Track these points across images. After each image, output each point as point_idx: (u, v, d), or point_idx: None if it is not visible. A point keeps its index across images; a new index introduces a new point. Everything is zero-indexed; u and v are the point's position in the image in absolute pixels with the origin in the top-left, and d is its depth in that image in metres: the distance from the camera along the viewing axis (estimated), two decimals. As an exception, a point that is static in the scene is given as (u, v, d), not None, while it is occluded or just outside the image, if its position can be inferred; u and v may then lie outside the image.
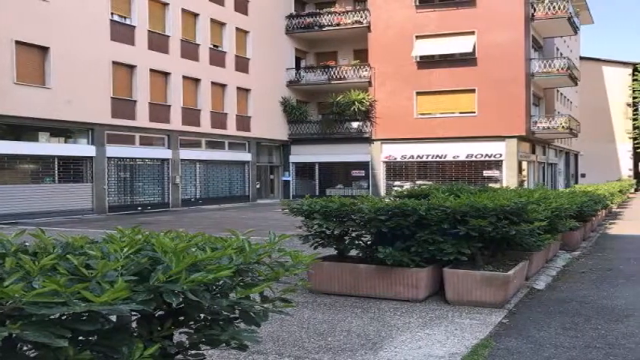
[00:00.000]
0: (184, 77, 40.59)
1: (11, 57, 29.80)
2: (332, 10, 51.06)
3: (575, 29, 52.80)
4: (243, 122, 46.20)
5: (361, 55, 50.52)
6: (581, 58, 74.22)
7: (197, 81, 41.83)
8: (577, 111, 70.44)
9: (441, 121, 46.75)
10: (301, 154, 52.16)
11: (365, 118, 49.01)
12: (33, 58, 31.39)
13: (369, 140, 49.31)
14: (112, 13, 35.45)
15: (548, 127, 48.63)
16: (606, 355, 7.37)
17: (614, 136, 79.93)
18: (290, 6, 51.13)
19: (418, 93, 47.61)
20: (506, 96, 44.62)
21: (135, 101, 36.90)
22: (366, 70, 49.04)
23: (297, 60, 52.75)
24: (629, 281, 12.64)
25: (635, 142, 75.82)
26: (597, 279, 12.96)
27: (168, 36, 39.17)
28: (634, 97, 75.24)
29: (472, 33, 45.81)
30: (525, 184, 47.25)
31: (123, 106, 36.12)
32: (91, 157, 34.46)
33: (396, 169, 49.36)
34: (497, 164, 46.38)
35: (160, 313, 3.96)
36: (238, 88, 45.48)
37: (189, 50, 40.94)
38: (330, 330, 8.52)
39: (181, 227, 5.52)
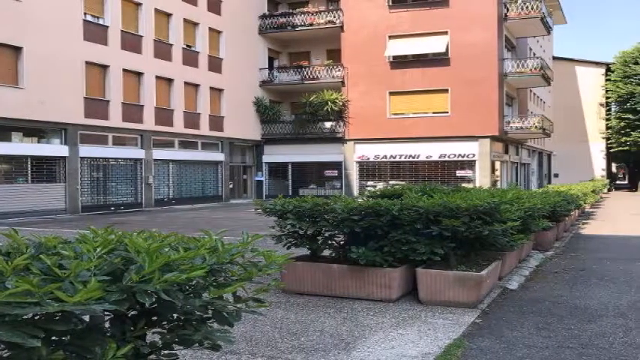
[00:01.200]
0: (157, 77, 41.27)
1: (-16, 58, 30.20)
2: (305, 10, 51.74)
3: (548, 29, 53.57)
4: (216, 122, 46.90)
5: (334, 55, 51.19)
6: (554, 58, 75.15)
7: (170, 81, 42.52)
8: (550, 111, 71.49)
9: (414, 121, 47.39)
10: (274, 154, 52.77)
11: (338, 118, 49.69)
12: (6, 58, 32.02)
13: (342, 140, 49.97)
14: (85, 13, 36.10)
15: (521, 127, 49.18)
16: (579, 355, 7.53)
17: (587, 136, 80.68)
18: (263, 6, 51.88)
19: (391, 93, 48.24)
20: (479, 96, 45.27)
21: (108, 101, 37.58)
22: (339, 70, 49.77)
23: (270, 60, 53.54)
24: (602, 281, 12.86)
25: (608, 142, 76.33)
26: (570, 279, 13.20)
27: (141, 36, 39.87)
28: (607, 97, 75.94)
29: (445, 33, 46.44)
30: (498, 184, 47.94)
31: (96, 106, 36.79)
32: (64, 157, 35.06)
33: (369, 169, 50.03)
34: (470, 164, 46.99)
35: (133, 313, 4.03)
36: (211, 88, 46.19)
37: (162, 50, 41.62)
38: (303, 330, 8.66)
39: (154, 227, 5.63)
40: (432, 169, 47.83)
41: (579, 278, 13.27)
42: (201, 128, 45.42)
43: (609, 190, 73.25)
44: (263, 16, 51.41)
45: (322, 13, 50.42)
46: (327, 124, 50.14)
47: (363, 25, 48.56)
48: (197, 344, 4.14)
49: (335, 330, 8.64)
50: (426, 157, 47.68)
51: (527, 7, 47.30)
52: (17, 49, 32.20)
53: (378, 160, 49.25)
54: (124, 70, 38.63)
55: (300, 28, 50.84)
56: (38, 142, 34.48)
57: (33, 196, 33.44)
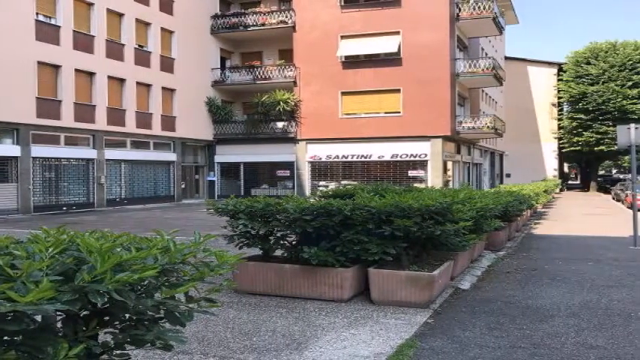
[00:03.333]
0: (109, 77, 42.66)
1: (-63, 58, 31.20)
2: (257, 10, 53.37)
3: (500, 29, 55.11)
4: (168, 122, 48.39)
5: (286, 55, 52.80)
6: (507, 58, 77.53)
7: (122, 81, 43.92)
8: (502, 111, 73.75)
9: (366, 121, 48.94)
10: (226, 154, 54.22)
11: (290, 118, 51.26)
12: (-42, 59, 32.71)
13: (294, 140, 51.48)
14: (37, 13, 37.46)
15: (474, 127, 50.66)
16: (531, 355, 7.77)
17: (539, 136, 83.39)
18: (215, 6, 53.51)
19: (343, 93, 49.71)
20: (432, 96, 46.67)
21: (60, 101, 38.91)
22: (291, 70, 51.38)
23: (223, 60, 55.15)
24: (554, 281, 13.33)
25: (560, 142, 78.61)
26: (522, 279, 13.66)
27: (94, 36, 41.25)
28: (559, 98, 77.94)
29: (397, 33, 47.99)
30: (450, 184, 49.62)
31: (48, 106, 38.10)
32: (16, 157, 36.32)
33: (321, 169, 51.51)
34: (422, 164, 48.39)
35: (86, 313, 4.08)
36: (163, 88, 47.65)
37: (115, 50, 43.01)
38: (255, 330, 8.94)
39: (106, 227, 5.74)
40: (384, 169, 49.22)
41: (531, 278, 13.79)
42: (154, 128, 46.81)
43: (561, 190, 75.56)
44: (215, 16, 52.96)
45: (274, 13, 51.94)
46: (279, 124, 51.67)
47: (315, 25, 50.08)
48: (149, 344, 4.25)
49: (287, 330, 8.96)
50: (378, 157, 49.13)
51: (479, 7, 48.80)
52: (-31, 50, 33.21)
53: (330, 160, 50.67)
54: (76, 70, 39.92)
55: (252, 28, 52.35)
56: (-10, 142, 35.65)
57: (-15, 196, 34.58)
